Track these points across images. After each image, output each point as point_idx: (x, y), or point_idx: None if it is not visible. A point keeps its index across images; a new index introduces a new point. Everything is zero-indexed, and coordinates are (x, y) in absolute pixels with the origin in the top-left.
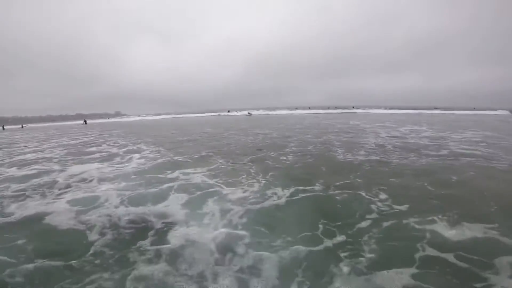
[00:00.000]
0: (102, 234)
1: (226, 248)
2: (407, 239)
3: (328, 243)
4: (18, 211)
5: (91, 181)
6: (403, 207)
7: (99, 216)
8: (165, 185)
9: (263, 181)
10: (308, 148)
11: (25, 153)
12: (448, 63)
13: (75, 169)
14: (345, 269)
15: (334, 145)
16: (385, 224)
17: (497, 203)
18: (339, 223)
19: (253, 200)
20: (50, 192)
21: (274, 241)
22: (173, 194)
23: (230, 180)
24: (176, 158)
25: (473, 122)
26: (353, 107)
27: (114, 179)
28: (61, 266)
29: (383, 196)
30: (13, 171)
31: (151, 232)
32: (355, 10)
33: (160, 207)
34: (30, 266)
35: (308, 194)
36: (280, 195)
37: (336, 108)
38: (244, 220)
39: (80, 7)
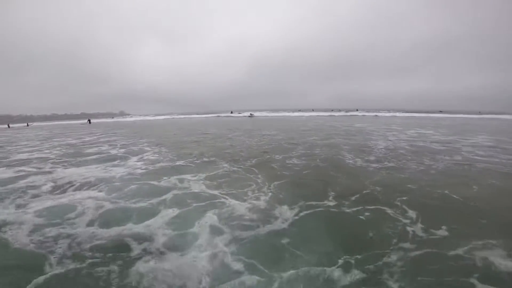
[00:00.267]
0: (58, 261)
1: None
2: (452, 273)
3: (346, 281)
4: None
5: (73, 186)
6: (440, 229)
7: (60, 235)
8: (156, 197)
9: (269, 193)
10: (316, 151)
11: (22, 153)
12: (454, 67)
13: (64, 172)
14: None
15: (342, 149)
16: (421, 253)
17: None
18: (361, 254)
19: (256, 220)
20: (23, 198)
21: (277, 280)
22: (164, 207)
23: (233, 191)
24: (177, 161)
25: (480, 126)
26: (357, 110)
27: (100, 185)
28: None
29: (411, 213)
30: (0, 172)
31: (117, 264)
32: (360, 12)
33: (141, 227)
34: None
35: (320, 212)
36: (287, 216)
37: (339, 110)
38: (242, 248)
39: (85, 7)
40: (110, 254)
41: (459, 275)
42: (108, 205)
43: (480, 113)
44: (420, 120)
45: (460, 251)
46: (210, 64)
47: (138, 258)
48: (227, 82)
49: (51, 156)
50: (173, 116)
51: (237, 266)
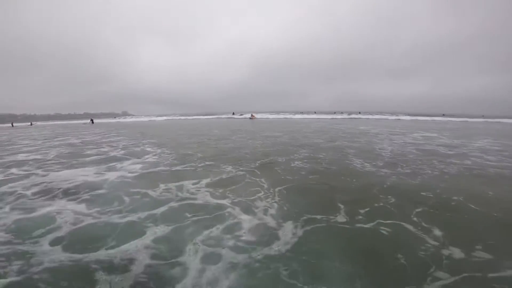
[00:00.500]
0: None
1: None
2: None
3: None
4: None
5: (58, 193)
6: (475, 248)
7: (14, 254)
8: (148, 209)
9: (276, 204)
10: (321, 155)
11: (20, 153)
12: (456, 69)
13: (55, 175)
14: None
15: (348, 153)
16: (463, 280)
17: None
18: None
19: (262, 242)
20: None
21: None
22: (153, 224)
23: (236, 201)
24: (178, 165)
25: (484, 130)
26: (359, 113)
27: (87, 193)
28: None
29: (435, 228)
30: None
31: None
32: (361, 12)
33: (116, 251)
34: None
35: (330, 228)
36: (290, 235)
37: (342, 113)
38: (240, 282)
39: (89, 8)
40: (65, 285)
41: None
42: (87, 220)
43: (483, 116)
44: (423, 123)
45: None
46: (211, 64)
47: None
48: (228, 82)
49: (48, 157)
50: (174, 117)
51: None
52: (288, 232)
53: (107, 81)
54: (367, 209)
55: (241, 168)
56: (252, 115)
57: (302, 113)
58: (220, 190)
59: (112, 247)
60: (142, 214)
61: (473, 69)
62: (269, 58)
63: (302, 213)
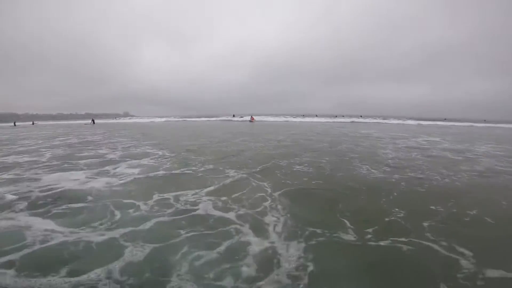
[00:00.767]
0: None
1: None
2: None
3: None
4: None
5: (37, 202)
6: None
7: None
8: (131, 225)
9: (282, 218)
10: (325, 159)
11: (14, 154)
12: (458, 73)
13: (43, 180)
14: None
15: (353, 158)
16: None
17: None
18: None
19: (263, 267)
20: None
21: None
22: (133, 243)
23: (234, 206)
24: (178, 169)
25: (486, 135)
26: (360, 116)
27: (68, 204)
28: None
29: (463, 249)
30: None
31: None
32: (363, 16)
33: (76, 282)
34: None
35: (340, 248)
36: (298, 259)
37: (343, 116)
38: None
39: (91, 9)
40: None
41: None
42: (57, 237)
43: (485, 121)
44: (425, 128)
45: None
46: (212, 66)
47: None
48: (229, 84)
49: (42, 159)
50: (174, 119)
51: None
52: (294, 255)
53: (109, 82)
54: (374, 228)
55: (244, 175)
56: (251, 117)
57: (303, 115)
58: (222, 199)
59: (77, 273)
60: (125, 230)
61: (474, 72)
62: (269, 58)
63: (309, 227)
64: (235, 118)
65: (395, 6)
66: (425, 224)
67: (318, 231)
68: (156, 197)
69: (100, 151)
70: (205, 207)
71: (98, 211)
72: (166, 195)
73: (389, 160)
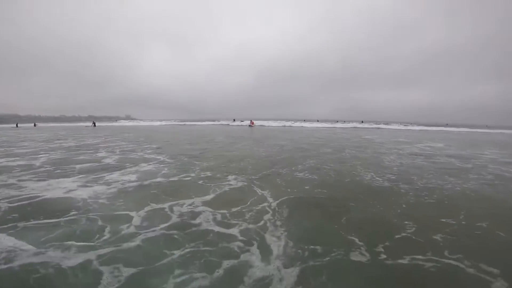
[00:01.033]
0: None
1: None
2: None
3: None
4: None
5: (14, 216)
6: None
7: None
8: (117, 243)
9: (283, 236)
10: (328, 166)
11: (9, 156)
12: (459, 78)
13: (28, 188)
14: None
15: (356, 164)
16: None
17: None
18: None
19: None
20: None
21: None
22: (115, 264)
23: (234, 220)
24: (177, 175)
25: (488, 141)
26: (362, 122)
27: (39, 216)
28: None
29: (494, 270)
30: None
31: None
32: (366, 21)
33: None
34: None
35: (352, 267)
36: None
37: (344, 121)
38: None
39: (96, 12)
40: None
41: None
42: (22, 259)
43: (487, 126)
44: (428, 133)
45: None
46: (215, 71)
47: None
48: (232, 89)
49: (36, 163)
50: (178, 123)
51: None
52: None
53: (111, 85)
54: (385, 244)
55: (245, 182)
56: (251, 122)
57: (304, 120)
58: (221, 211)
59: None
60: (105, 251)
61: (475, 75)
62: (270, 62)
63: (315, 245)
64: (235, 123)
65: (398, 13)
66: (437, 237)
67: (325, 248)
68: (148, 208)
69: (97, 155)
70: (199, 221)
71: (79, 226)
72: (160, 205)
73: (394, 168)
